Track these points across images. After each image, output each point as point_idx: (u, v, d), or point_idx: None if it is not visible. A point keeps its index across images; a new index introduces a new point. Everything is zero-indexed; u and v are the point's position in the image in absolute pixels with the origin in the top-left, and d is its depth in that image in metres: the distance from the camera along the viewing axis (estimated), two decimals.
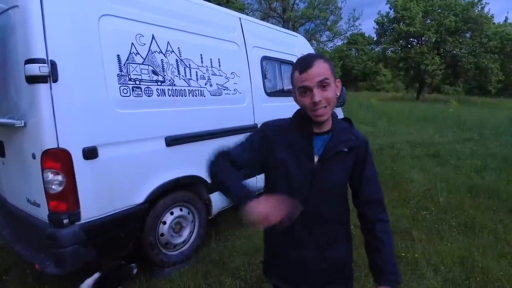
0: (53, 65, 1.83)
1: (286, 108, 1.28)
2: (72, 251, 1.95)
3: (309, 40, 20.62)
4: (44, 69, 1.79)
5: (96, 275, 1.77)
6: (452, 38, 25.54)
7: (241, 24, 3.37)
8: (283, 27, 20.06)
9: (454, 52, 25.40)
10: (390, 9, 27.29)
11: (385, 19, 28.26)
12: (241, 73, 3.25)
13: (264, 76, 3.62)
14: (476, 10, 25.19)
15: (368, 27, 75.59)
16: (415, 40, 27.62)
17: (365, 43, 43.61)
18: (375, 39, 32.22)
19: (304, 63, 1.06)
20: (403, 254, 2.65)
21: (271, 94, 3.71)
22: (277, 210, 0.91)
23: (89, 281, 1.75)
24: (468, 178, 4.83)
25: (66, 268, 1.97)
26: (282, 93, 4.00)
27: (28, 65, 1.78)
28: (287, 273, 1.21)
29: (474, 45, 24.97)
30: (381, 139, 8.76)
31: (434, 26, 25.42)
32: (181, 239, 2.73)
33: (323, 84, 1.04)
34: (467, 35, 26.26)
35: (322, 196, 1.13)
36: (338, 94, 1.10)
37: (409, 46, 27.67)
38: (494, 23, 26.38)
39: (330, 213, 1.16)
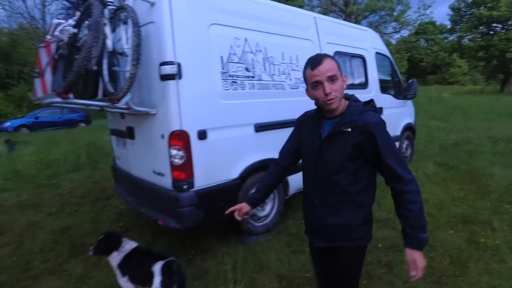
0: (179, 66, 2.37)
1: None
2: (189, 211, 2.50)
3: None
4: (174, 69, 2.35)
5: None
6: None
7: (315, 23, 3.66)
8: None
9: None
10: None
11: (462, 4, 25.41)
12: None
13: None
14: None
15: (440, 14, 68.18)
16: (500, 26, 24.29)
17: (436, 32, 39.67)
18: (448, 27, 29.16)
19: (315, 61, 1.27)
20: (483, 240, 2.68)
21: None
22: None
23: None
24: None
25: (184, 224, 2.53)
26: (352, 86, 4.18)
27: (163, 67, 2.36)
28: (309, 226, 1.53)
29: None
30: (456, 134, 8.18)
31: None
32: (264, 213, 3.17)
33: (332, 79, 1.25)
34: None
35: (326, 170, 1.34)
36: (345, 87, 1.31)
37: (492, 32, 24.45)
38: None
39: (334, 185, 1.34)
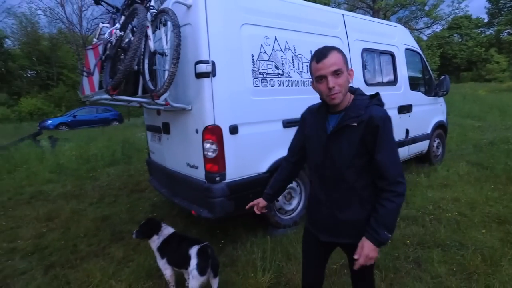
0: (213, 64, 2.52)
1: (383, 97, 1.36)
2: (221, 201, 2.64)
3: None
4: (208, 67, 2.50)
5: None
6: None
7: (343, 20, 3.69)
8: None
9: None
10: None
11: None
12: None
13: (364, 67, 3.86)
14: None
15: (476, 8, 63.80)
16: None
17: (471, 26, 37.50)
18: (485, 20, 27.48)
19: (320, 55, 1.24)
20: None
21: (370, 84, 3.92)
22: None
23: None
24: None
25: (216, 214, 2.68)
26: (380, 83, 4.16)
27: (198, 65, 2.51)
28: (313, 221, 1.51)
29: None
30: (492, 133, 7.77)
31: None
32: (291, 207, 3.26)
33: (336, 73, 1.23)
34: None
35: (334, 165, 1.33)
36: (351, 81, 1.29)
37: None
38: None
39: (342, 181, 1.33)
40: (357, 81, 3.74)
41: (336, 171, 1.34)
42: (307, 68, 3.21)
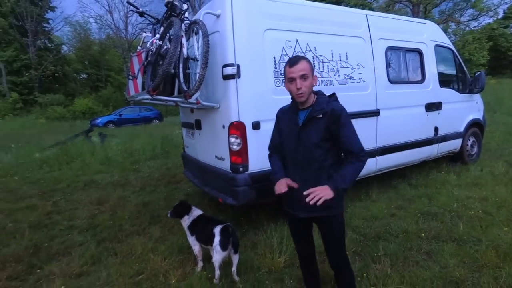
0: (238, 67, 2.82)
1: (409, 94, 1.53)
2: (244, 190, 2.94)
3: (445, 21, 17.92)
4: (234, 70, 2.81)
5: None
6: None
7: (367, 20, 3.78)
8: (411, 11, 18.25)
9: None
10: None
11: None
12: (366, 64, 3.68)
13: (388, 65, 3.92)
14: None
15: None
16: None
17: None
18: None
19: (293, 61, 1.60)
20: None
21: (394, 82, 3.97)
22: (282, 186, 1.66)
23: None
24: None
25: (239, 201, 2.98)
26: (405, 80, 4.17)
27: (225, 68, 2.83)
28: (290, 202, 1.77)
29: None
30: None
31: None
32: None
33: (304, 77, 1.57)
34: None
35: (305, 149, 1.66)
36: (315, 84, 1.65)
37: None
38: None
39: (312, 161, 1.65)
40: (381, 80, 3.81)
41: (307, 153, 1.67)
42: (327, 68, 3.39)
